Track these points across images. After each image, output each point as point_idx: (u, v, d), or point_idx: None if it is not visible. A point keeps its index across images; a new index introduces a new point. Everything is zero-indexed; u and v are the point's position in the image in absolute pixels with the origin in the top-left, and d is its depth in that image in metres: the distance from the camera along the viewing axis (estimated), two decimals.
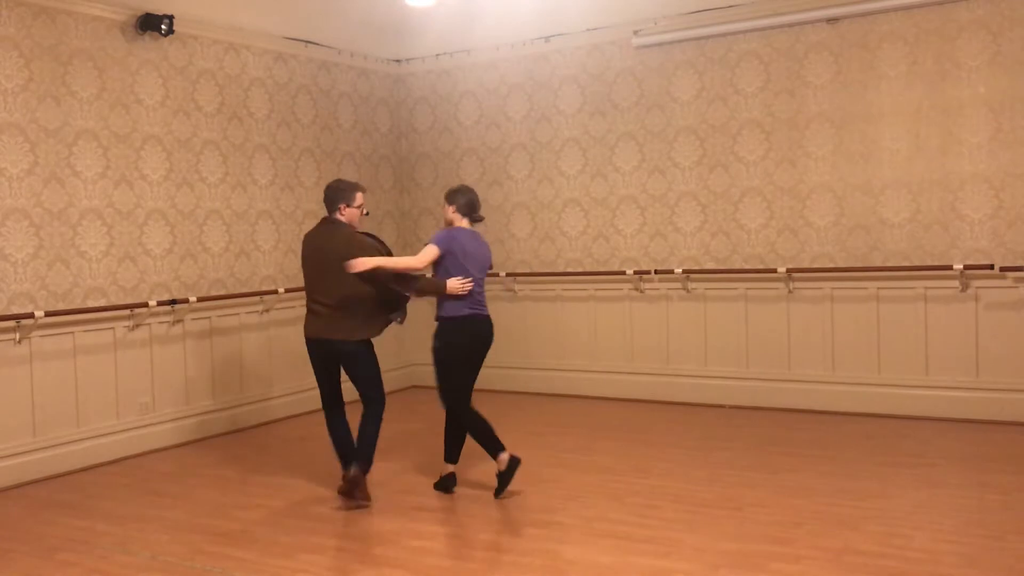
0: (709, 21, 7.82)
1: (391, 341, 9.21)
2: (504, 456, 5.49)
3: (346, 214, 5.58)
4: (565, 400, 8.50)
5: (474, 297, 5.54)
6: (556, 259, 8.78)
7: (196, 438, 7.31)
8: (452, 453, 5.71)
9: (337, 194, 5.60)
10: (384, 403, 5.65)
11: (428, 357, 9.25)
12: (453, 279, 5.44)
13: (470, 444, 5.68)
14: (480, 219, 5.75)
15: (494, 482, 5.57)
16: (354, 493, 5.42)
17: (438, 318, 5.56)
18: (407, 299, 5.64)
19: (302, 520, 5.26)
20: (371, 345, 5.60)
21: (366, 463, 5.53)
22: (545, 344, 8.83)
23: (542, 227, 8.84)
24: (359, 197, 5.63)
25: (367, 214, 5.79)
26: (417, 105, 9.56)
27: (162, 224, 7.18)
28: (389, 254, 5.61)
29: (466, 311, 5.51)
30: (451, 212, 5.65)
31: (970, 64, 6.95)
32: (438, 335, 5.56)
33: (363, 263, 5.28)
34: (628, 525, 4.90)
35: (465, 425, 5.59)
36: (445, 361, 5.55)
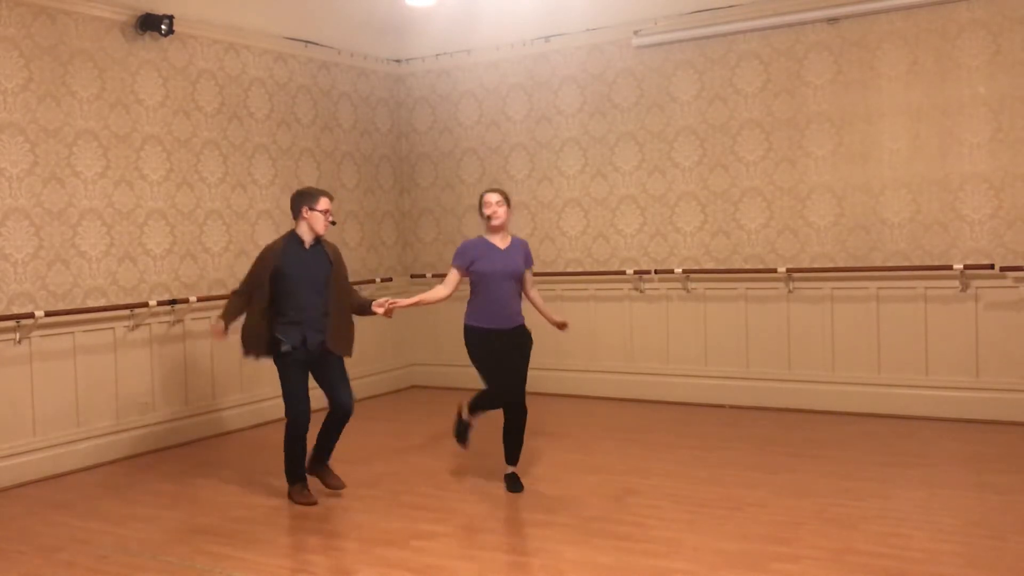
0: (709, 21, 7.82)
1: (391, 341, 9.22)
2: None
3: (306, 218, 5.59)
4: (565, 400, 8.50)
5: None
6: (556, 259, 8.78)
7: (196, 438, 7.31)
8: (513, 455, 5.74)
9: (297, 200, 5.65)
10: (288, 420, 5.58)
11: (427, 357, 9.36)
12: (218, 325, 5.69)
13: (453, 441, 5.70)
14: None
15: (496, 480, 5.65)
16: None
17: (523, 323, 5.73)
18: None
19: (302, 520, 5.26)
20: (279, 362, 5.56)
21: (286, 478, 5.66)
22: (545, 344, 8.80)
23: (542, 227, 8.84)
24: (323, 202, 5.57)
25: (333, 223, 5.67)
26: (417, 105, 9.56)
27: (162, 224, 7.18)
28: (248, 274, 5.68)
29: None
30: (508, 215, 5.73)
31: (970, 64, 6.95)
32: (529, 339, 5.77)
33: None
34: (628, 525, 4.89)
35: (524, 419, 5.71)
36: None
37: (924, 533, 4.59)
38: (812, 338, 7.60)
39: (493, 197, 5.60)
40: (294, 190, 8.21)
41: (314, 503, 5.47)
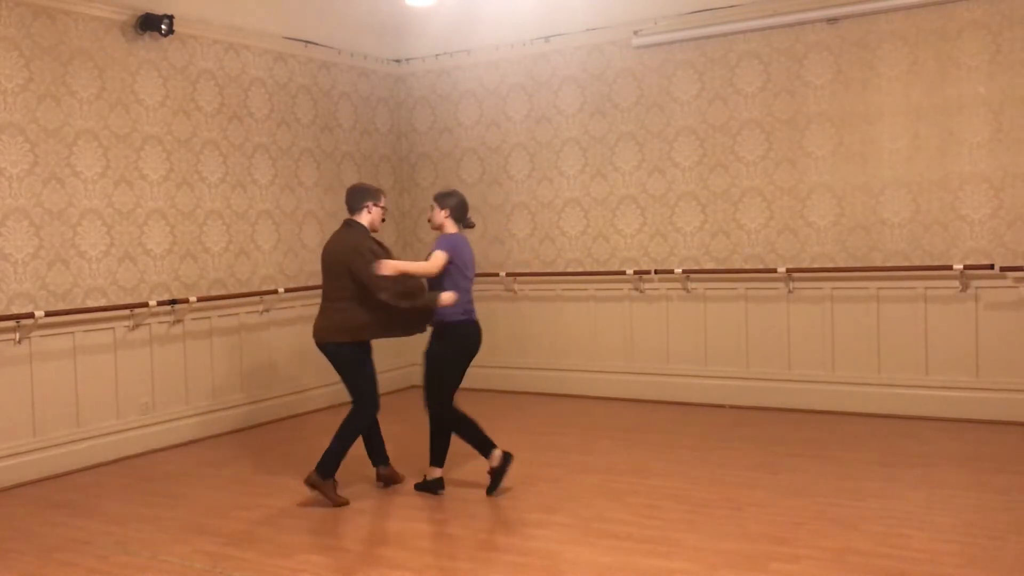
0: (709, 21, 7.82)
1: (391, 341, 9.20)
2: (497, 453, 5.52)
3: (373, 213, 5.63)
4: (565, 400, 8.50)
5: (467, 302, 5.54)
6: (556, 259, 8.78)
7: (196, 438, 7.31)
8: (438, 457, 5.65)
9: (363, 194, 5.65)
10: (364, 414, 5.58)
11: None
12: (447, 292, 5.38)
13: (457, 443, 5.66)
14: (472, 225, 5.74)
15: (488, 481, 5.59)
16: (322, 495, 5.48)
17: (436, 322, 5.51)
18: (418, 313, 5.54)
19: (302, 520, 5.26)
20: (351, 350, 5.51)
21: (321, 470, 5.48)
22: (545, 344, 8.83)
23: (542, 227, 8.84)
24: (383, 199, 5.73)
25: (384, 220, 5.80)
26: (417, 105, 9.57)
27: (162, 224, 7.18)
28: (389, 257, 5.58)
29: (461, 316, 5.50)
30: (443, 216, 5.60)
31: (970, 64, 6.95)
32: (437, 338, 5.53)
33: (389, 265, 5.27)
34: (628, 525, 4.90)
35: (452, 429, 5.56)
36: (440, 365, 5.53)
37: (924, 533, 4.60)
38: (812, 338, 7.60)
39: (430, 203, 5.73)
40: (295, 190, 8.34)
41: (347, 503, 5.47)
